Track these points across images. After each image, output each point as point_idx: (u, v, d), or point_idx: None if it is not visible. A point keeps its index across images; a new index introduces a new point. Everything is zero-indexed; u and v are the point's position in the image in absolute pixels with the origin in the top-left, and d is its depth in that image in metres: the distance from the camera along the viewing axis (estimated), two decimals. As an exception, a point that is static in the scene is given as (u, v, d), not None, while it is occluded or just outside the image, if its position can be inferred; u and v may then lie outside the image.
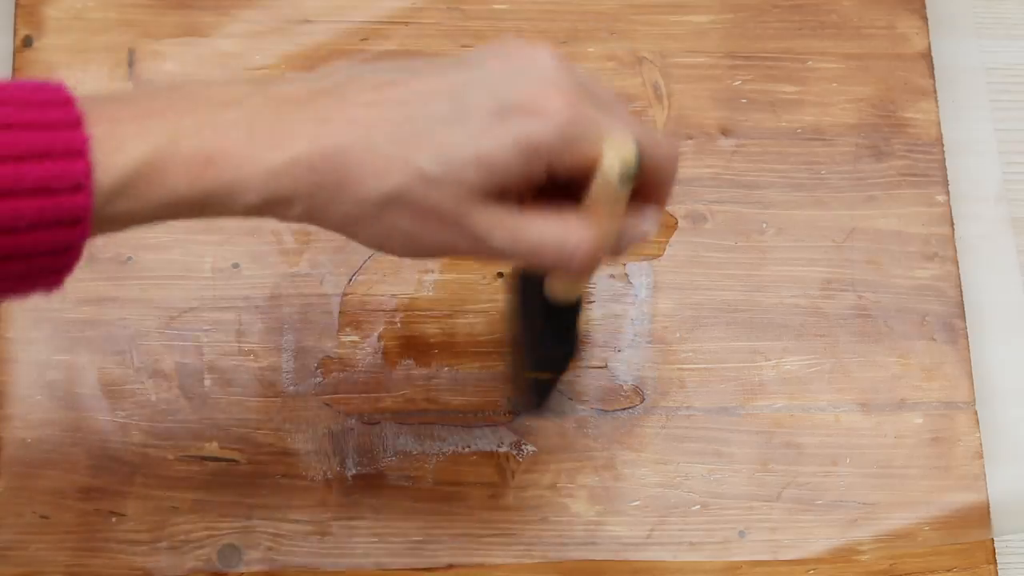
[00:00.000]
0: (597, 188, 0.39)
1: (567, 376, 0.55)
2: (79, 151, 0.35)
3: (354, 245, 0.57)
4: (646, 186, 0.41)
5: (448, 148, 0.38)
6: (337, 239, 0.57)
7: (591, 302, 0.58)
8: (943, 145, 0.61)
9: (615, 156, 0.38)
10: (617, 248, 0.42)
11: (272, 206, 0.38)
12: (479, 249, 0.40)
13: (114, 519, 0.54)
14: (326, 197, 0.38)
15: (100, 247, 0.57)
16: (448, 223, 0.39)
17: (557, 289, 0.45)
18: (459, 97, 0.39)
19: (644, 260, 0.59)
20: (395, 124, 0.38)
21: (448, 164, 0.38)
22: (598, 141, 0.39)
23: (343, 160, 0.38)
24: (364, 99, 0.39)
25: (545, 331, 0.48)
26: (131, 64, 0.59)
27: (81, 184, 0.35)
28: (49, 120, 0.35)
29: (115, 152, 0.36)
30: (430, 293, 0.57)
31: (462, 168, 0.38)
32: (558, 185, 0.40)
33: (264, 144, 0.37)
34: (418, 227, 0.39)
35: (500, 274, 0.58)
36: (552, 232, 0.40)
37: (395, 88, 0.39)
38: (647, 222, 0.42)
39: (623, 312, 0.58)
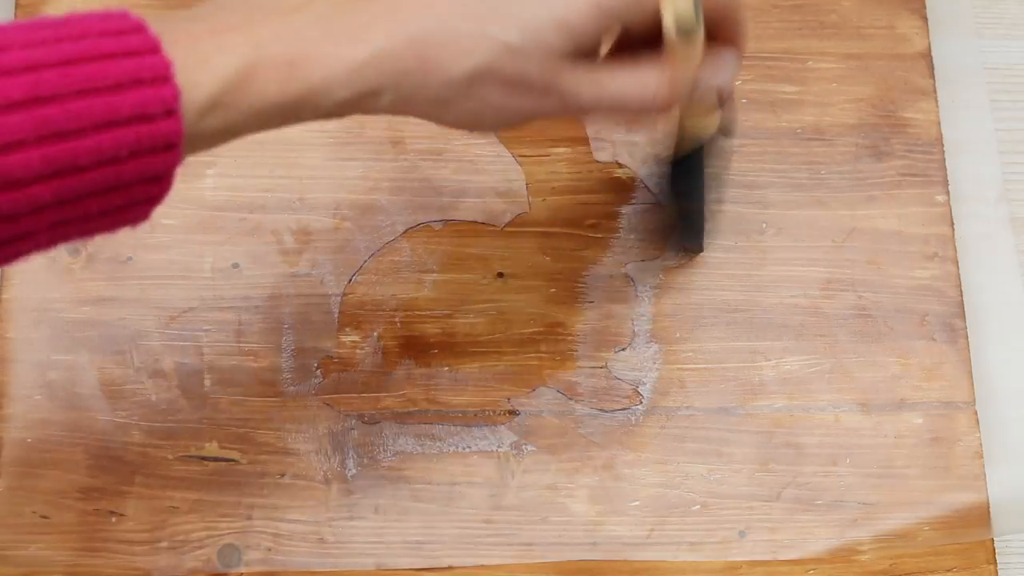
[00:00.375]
0: (666, 38, 0.42)
1: (710, 210, 0.58)
2: (164, 76, 0.35)
3: (354, 245, 0.58)
4: (717, 29, 0.44)
5: (527, 17, 0.40)
6: (337, 239, 0.57)
7: (590, 302, 0.58)
8: (943, 145, 0.61)
9: (670, 10, 0.42)
10: (701, 95, 0.45)
11: (361, 100, 0.39)
12: (567, 108, 0.42)
13: (114, 519, 0.54)
14: (413, 84, 0.39)
15: (100, 247, 0.57)
16: (537, 89, 0.41)
17: (686, 127, 0.50)
18: None
19: (644, 260, 0.59)
20: (468, 2, 0.40)
21: (529, 32, 0.40)
22: None
23: (424, 45, 0.39)
24: None
25: (684, 168, 0.54)
26: (131, 64, 0.59)
27: (171, 109, 0.36)
28: (129, 48, 0.36)
29: (201, 69, 0.36)
30: (430, 293, 0.57)
31: (543, 34, 0.40)
32: (638, 40, 0.43)
33: (343, 42, 0.38)
34: (508, 98, 0.41)
35: (500, 274, 0.58)
36: (632, 81, 0.43)
37: None
38: (721, 72, 0.45)
39: (623, 312, 0.58)
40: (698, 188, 0.55)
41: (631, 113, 0.44)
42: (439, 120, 0.42)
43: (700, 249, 0.59)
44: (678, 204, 0.58)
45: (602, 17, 0.41)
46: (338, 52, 0.38)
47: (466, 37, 0.39)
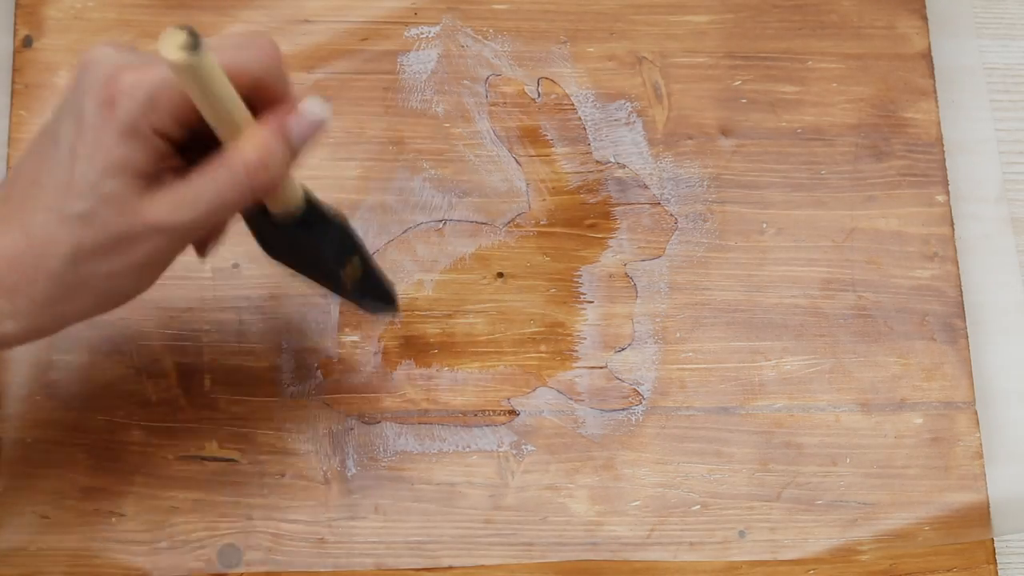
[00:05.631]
0: (205, 114, 0.40)
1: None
2: None
3: (354, 245, 0.58)
4: (257, 87, 0.41)
5: (79, 182, 0.40)
6: (337, 239, 0.57)
7: (590, 302, 0.58)
8: (943, 145, 0.61)
9: (169, 44, 0.37)
10: (296, 142, 0.42)
11: None
12: (177, 236, 0.42)
13: (114, 519, 0.54)
14: (24, 298, 0.41)
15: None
16: (133, 237, 0.41)
17: (275, 206, 0.45)
18: (55, 139, 0.41)
19: (644, 260, 0.59)
20: (27, 201, 0.41)
21: (88, 194, 0.40)
22: (161, 85, 0.40)
23: (11, 261, 0.40)
24: None
25: (308, 235, 0.47)
26: (131, 64, 0.59)
27: None
28: None
29: None
30: (430, 293, 0.57)
31: (100, 186, 0.40)
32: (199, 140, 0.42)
33: None
34: (118, 261, 0.41)
35: (500, 274, 0.58)
36: (220, 177, 0.41)
37: (14, 182, 0.42)
38: (300, 119, 0.42)
39: (623, 312, 0.58)
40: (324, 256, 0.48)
41: (240, 205, 0.42)
42: (79, 316, 0.42)
43: (382, 305, 0.53)
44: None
45: (138, 140, 0.40)
46: None
47: (42, 231, 0.40)
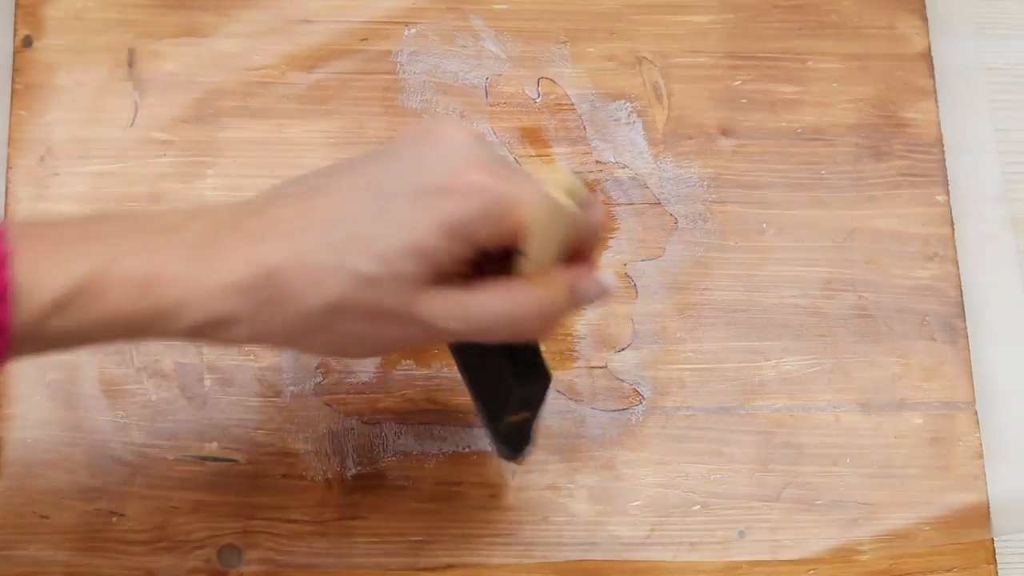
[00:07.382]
0: (531, 250, 0.41)
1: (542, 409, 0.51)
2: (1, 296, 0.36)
3: (354, 245, 0.57)
4: (577, 242, 0.43)
5: (379, 244, 0.39)
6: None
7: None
8: (943, 145, 0.61)
9: (536, 241, 0.40)
10: (576, 304, 0.43)
11: (216, 326, 0.39)
12: (433, 335, 0.41)
13: (114, 519, 0.54)
14: (269, 315, 0.39)
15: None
16: (397, 317, 0.40)
17: None
18: (379, 189, 0.39)
19: (644, 260, 0.59)
20: (323, 231, 0.39)
21: (383, 261, 0.39)
22: (517, 210, 0.40)
23: (279, 277, 0.38)
24: (291, 212, 0.39)
25: (515, 371, 0.47)
26: (131, 64, 0.59)
27: (1, 296, 0.36)
28: None
29: (55, 270, 0.37)
30: (430, 293, 0.57)
31: (397, 261, 0.39)
32: (496, 257, 0.41)
33: (202, 268, 0.38)
34: (368, 328, 0.40)
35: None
36: (499, 303, 0.41)
37: (318, 195, 0.40)
38: (594, 284, 0.43)
39: (623, 312, 0.58)
40: (534, 382, 0.48)
41: (503, 338, 0.42)
42: (301, 349, 0.42)
43: (524, 452, 0.52)
44: (508, 402, 0.49)
45: (453, 240, 0.39)
46: (193, 277, 0.38)
47: (320, 269, 0.39)
